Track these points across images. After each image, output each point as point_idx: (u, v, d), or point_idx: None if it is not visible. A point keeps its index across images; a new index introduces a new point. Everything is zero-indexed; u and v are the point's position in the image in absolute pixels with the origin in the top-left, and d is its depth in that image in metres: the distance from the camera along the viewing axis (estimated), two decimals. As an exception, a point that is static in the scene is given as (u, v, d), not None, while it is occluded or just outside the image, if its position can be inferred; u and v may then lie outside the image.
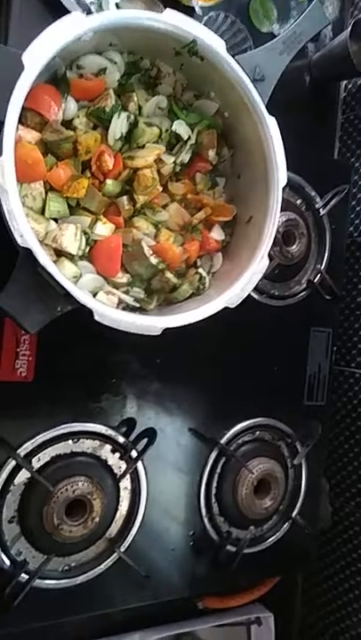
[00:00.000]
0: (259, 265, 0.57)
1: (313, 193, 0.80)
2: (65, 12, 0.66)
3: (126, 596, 0.68)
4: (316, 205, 0.80)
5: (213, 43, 0.53)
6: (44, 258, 0.45)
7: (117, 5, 0.70)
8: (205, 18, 0.77)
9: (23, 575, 0.59)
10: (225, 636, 0.82)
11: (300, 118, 0.88)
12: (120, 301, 0.56)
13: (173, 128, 0.57)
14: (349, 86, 0.94)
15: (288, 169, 0.57)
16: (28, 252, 0.45)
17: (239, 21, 0.81)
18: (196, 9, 0.76)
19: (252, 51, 0.59)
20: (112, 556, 0.65)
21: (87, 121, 0.54)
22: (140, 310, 0.57)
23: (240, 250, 0.60)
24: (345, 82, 0.94)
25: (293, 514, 0.80)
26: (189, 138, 0.58)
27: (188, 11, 0.76)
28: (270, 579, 0.84)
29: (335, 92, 0.92)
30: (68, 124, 0.53)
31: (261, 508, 0.75)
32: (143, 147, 0.56)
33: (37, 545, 0.61)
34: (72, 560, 0.64)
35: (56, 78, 0.53)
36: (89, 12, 0.69)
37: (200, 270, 0.59)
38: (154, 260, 0.56)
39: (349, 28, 0.84)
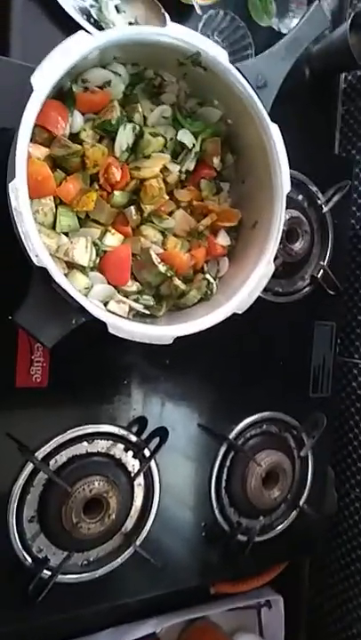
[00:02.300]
0: (265, 269, 0.58)
1: (315, 189, 0.81)
2: (66, 16, 0.66)
3: (143, 586, 0.71)
4: (319, 202, 0.81)
5: (216, 53, 0.54)
6: (59, 276, 0.46)
7: (117, 8, 0.70)
8: (205, 16, 0.77)
9: (45, 572, 0.61)
10: (236, 620, 0.86)
11: (301, 112, 0.88)
12: (130, 309, 0.57)
13: (178, 137, 0.58)
14: (349, 78, 0.94)
15: (289, 166, 0.58)
16: (43, 269, 0.46)
17: (238, 17, 0.80)
18: (196, 7, 0.76)
19: (254, 58, 0.59)
20: (128, 550, 0.68)
21: (93, 133, 0.55)
22: (150, 317, 0.59)
23: (246, 254, 0.61)
24: (345, 74, 0.94)
25: (301, 502, 0.83)
26: (194, 146, 0.59)
27: (188, 9, 0.76)
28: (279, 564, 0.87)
29: (335, 85, 0.92)
30: (74, 137, 0.54)
31: (270, 498, 0.78)
32: (149, 156, 0.57)
33: (57, 542, 0.63)
34: (90, 555, 0.66)
35: (62, 93, 0.53)
36: (89, 16, 0.69)
37: (207, 276, 0.60)
38: (162, 268, 0.57)
39: (349, 21, 0.84)
